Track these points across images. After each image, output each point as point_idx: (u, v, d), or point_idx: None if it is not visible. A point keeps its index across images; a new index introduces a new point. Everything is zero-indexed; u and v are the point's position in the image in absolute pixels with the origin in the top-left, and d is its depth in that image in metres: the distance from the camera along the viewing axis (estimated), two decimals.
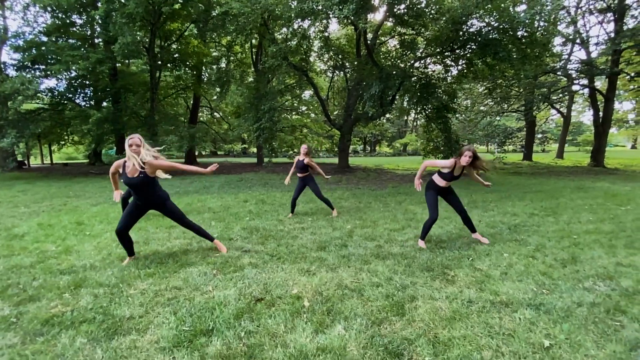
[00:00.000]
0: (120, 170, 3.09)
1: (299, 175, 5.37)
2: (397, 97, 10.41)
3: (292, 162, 5.48)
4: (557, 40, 16.58)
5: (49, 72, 12.24)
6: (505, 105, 21.28)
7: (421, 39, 11.44)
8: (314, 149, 31.20)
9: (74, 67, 10.67)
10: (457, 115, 11.33)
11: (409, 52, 10.96)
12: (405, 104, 16.70)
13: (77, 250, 3.55)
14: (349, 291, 2.53)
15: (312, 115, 27.91)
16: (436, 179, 3.75)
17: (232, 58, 16.96)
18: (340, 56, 15.83)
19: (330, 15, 9.09)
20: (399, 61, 11.11)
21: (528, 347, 1.83)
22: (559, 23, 14.08)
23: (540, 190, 8.17)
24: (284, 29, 14.93)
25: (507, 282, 2.69)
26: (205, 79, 21.27)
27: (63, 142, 19.68)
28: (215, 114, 29.05)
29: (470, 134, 20.72)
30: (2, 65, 13.88)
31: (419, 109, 10.89)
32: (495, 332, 1.98)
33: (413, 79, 9.81)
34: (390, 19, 9.93)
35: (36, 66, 12.41)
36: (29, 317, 2.17)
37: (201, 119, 25.75)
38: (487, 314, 2.18)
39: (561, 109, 24.70)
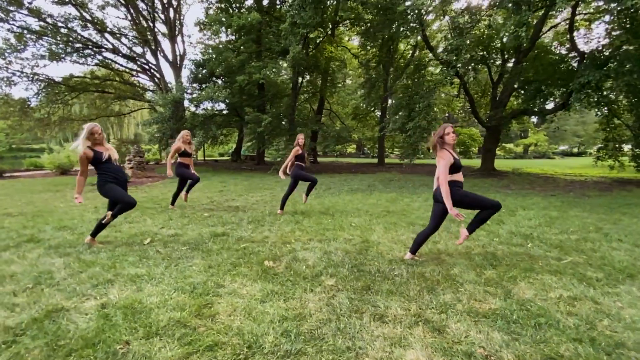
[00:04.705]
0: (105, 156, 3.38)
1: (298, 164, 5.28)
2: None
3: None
4: None
5: (228, 83, 14.53)
6: None
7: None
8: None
9: (254, 77, 12.38)
10: None
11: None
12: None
13: (372, 241, 3.77)
14: None
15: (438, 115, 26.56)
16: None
17: (376, 59, 17.20)
18: (482, 49, 14.24)
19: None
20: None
21: None
22: None
23: None
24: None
25: None
26: (333, 83, 22.37)
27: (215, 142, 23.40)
28: (332, 114, 30.26)
29: None
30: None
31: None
32: None
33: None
34: None
35: (221, 78, 14.98)
36: (457, 309, 2.23)
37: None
38: None
39: None
